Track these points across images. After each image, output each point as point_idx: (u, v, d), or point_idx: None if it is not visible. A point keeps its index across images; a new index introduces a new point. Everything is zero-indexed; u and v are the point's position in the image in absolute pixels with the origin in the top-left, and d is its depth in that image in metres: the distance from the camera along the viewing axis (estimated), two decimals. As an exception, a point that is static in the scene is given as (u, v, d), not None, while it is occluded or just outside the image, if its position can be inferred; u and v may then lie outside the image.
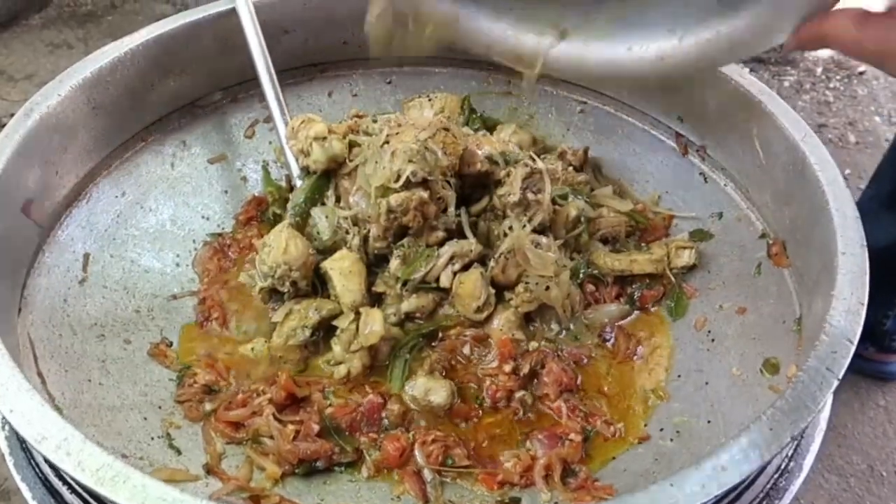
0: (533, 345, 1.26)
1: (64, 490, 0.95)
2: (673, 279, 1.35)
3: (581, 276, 1.32)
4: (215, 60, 1.47)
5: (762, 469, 0.99)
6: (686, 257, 1.36)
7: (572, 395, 1.21)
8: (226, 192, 1.50)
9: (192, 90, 1.48)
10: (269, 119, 1.55)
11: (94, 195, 1.36)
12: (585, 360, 1.27)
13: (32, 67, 1.21)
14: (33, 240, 1.24)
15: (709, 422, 1.17)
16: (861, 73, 2.80)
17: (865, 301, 1.02)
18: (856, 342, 0.98)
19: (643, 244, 1.40)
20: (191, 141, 1.50)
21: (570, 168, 1.47)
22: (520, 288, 1.26)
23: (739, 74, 1.35)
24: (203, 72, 1.47)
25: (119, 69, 1.35)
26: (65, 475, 0.94)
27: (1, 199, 1.15)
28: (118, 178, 1.40)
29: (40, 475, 1.00)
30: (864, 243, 1.09)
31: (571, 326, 1.30)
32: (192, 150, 1.49)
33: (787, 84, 2.82)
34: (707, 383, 1.22)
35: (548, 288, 1.26)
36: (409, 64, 1.63)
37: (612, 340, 1.29)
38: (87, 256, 1.31)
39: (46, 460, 0.93)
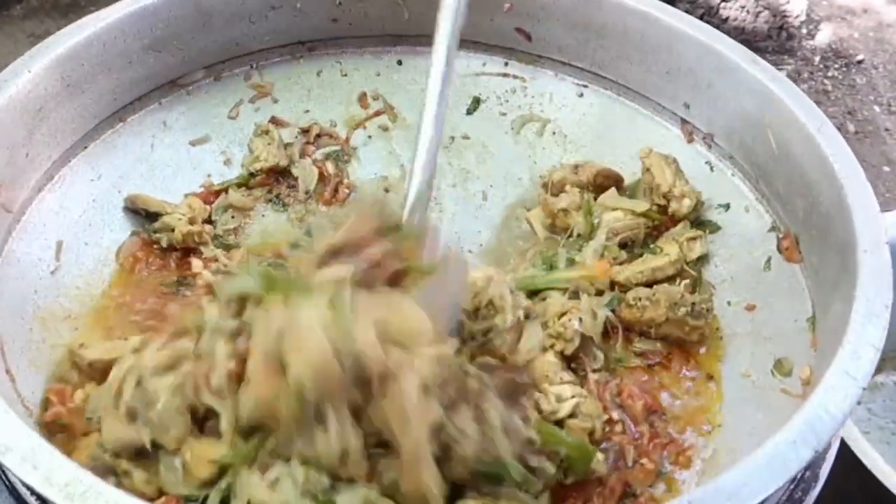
0: (594, 377, 1.16)
1: (32, 500, 0.88)
2: (694, 274, 1.29)
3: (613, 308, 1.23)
4: (198, 36, 1.39)
5: (782, 482, 0.93)
6: (699, 247, 1.30)
7: (658, 416, 1.14)
8: (209, 175, 1.42)
9: (173, 68, 1.40)
10: (254, 99, 1.48)
11: (68, 178, 1.28)
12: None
13: (13, 58, 1.16)
14: (1, 226, 1.16)
15: (719, 425, 1.12)
16: (860, 62, 2.76)
17: (890, 303, 0.97)
18: (881, 347, 0.92)
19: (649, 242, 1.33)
20: (171, 121, 1.42)
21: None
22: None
23: (752, 60, 1.29)
24: (185, 48, 1.39)
25: (95, 45, 1.27)
26: (32, 487, 0.87)
27: (-34, 183, 1.08)
28: (93, 160, 1.32)
29: (7, 483, 0.93)
30: (887, 240, 1.03)
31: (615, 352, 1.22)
32: (173, 131, 1.41)
33: (784, 74, 2.77)
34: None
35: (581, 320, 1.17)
36: (401, 44, 1.56)
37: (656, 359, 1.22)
38: (59, 244, 1.24)
39: (12, 470, 0.85)
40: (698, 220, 1.36)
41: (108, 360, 1.06)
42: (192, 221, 1.29)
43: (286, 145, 1.46)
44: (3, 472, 0.94)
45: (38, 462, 0.77)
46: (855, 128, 2.44)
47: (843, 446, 1.36)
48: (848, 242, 1.05)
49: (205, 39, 1.41)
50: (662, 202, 1.34)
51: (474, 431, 0.90)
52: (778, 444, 0.83)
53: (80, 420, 1.02)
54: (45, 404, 1.05)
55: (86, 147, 1.31)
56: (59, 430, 1.02)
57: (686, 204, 1.32)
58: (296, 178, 1.43)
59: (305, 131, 1.49)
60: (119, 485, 0.92)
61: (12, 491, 0.92)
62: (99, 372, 1.07)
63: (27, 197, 1.21)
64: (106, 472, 0.93)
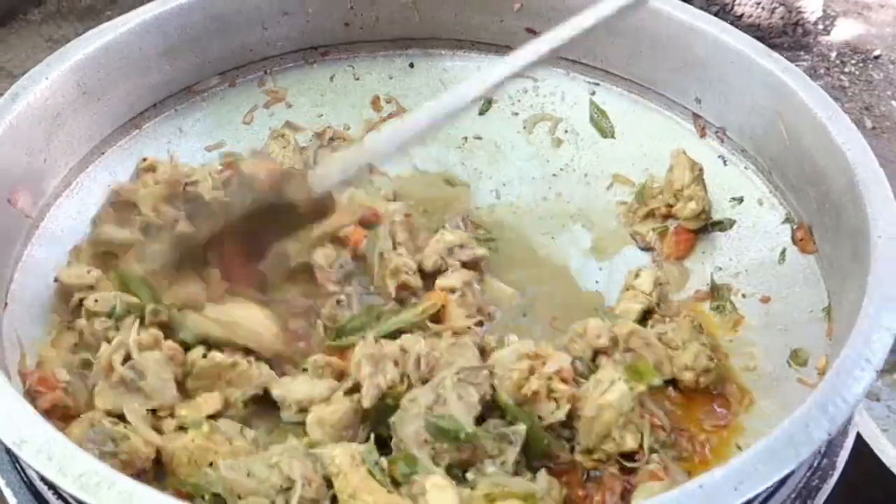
0: None
1: (49, 495, 0.90)
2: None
3: None
4: (212, 43, 1.41)
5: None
6: (693, 205, 1.30)
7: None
8: (224, 180, 1.43)
9: (189, 74, 1.42)
10: (268, 104, 1.49)
11: (86, 184, 1.30)
12: None
13: (31, 63, 1.18)
14: (21, 231, 1.18)
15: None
16: (876, 58, 2.74)
17: (904, 287, 0.96)
18: (895, 331, 0.92)
19: None
20: (187, 127, 1.43)
21: None
22: None
23: (763, 52, 1.28)
24: (200, 55, 1.41)
25: (111, 52, 1.30)
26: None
27: (-14, 189, 1.10)
28: (111, 166, 1.33)
29: (25, 479, 0.94)
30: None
31: None
32: (189, 137, 1.43)
33: (800, 69, 2.77)
34: (732, 376, 1.16)
35: None
36: (413, 47, 1.57)
37: None
38: (77, 249, 1.24)
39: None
40: (710, 222, 1.35)
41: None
42: None
43: (301, 149, 1.47)
44: (21, 468, 0.95)
45: (53, 453, 0.78)
46: (872, 123, 2.42)
47: (862, 443, 1.34)
48: (861, 229, 1.04)
49: (219, 46, 1.43)
50: (672, 201, 1.33)
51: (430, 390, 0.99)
52: (790, 428, 0.82)
53: (73, 399, 1.04)
54: (32, 395, 1.03)
55: (103, 153, 1.33)
56: (62, 414, 1.02)
57: (690, 207, 1.31)
58: (310, 181, 1.44)
59: (319, 135, 1.50)
60: (116, 449, 0.97)
61: (30, 487, 0.93)
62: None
63: (45, 203, 1.23)
64: (106, 439, 0.96)
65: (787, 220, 1.28)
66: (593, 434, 1.01)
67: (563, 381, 1.03)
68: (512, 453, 0.96)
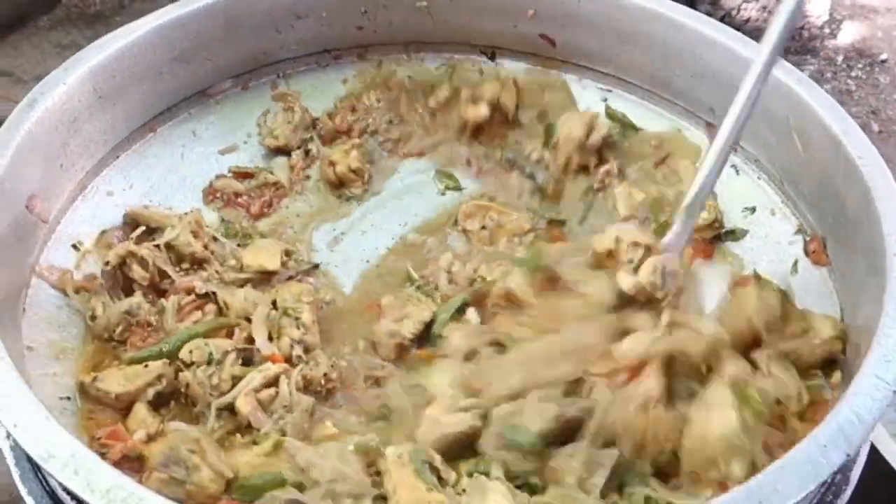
0: None
1: (72, 506, 0.90)
2: None
3: None
4: (226, 47, 1.42)
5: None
6: (705, 214, 1.29)
7: None
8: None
9: (202, 78, 1.42)
10: (287, 109, 1.49)
11: (101, 188, 1.30)
12: None
13: (41, 69, 1.18)
14: (38, 236, 1.19)
15: (747, 429, 1.11)
16: (883, 62, 2.74)
17: (920, 305, 0.96)
18: (912, 350, 0.92)
19: None
20: (201, 131, 1.44)
21: None
22: None
23: (780, 64, 1.28)
24: (213, 59, 1.41)
25: (126, 57, 1.30)
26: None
27: (4, 195, 1.10)
28: (125, 170, 1.34)
29: (47, 488, 0.95)
30: (916, 242, 1.03)
31: None
32: (203, 141, 1.43)
33: (806, 73, 2.76)
34: (744, 388, 1.16)
35: None
36: (425, 51, 1.56)
37: None
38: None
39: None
40: (722, 231, 1.35)
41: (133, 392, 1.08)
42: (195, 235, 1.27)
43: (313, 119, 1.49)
44: (44, 477, 0.96)
45: (79, 468, 0.78)
46: (879, 127, 2.42)
47: (872, 449, 1.35)
48: (876, 246, 1.05)
49: (232, 50, 1.43)
50: None
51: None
52: (809, 448, 0.83)
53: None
54: (100, 447, 0.98)
55: (118, 157, 1.34)
56: (135, 462, 0.98)
57: (702, 216, 1.31)
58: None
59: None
60: (185, 478, 0.95)
61: (52, 496, 0.94)
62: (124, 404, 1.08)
63: (61, 207, 1.24)
64: (178, 464, 0.96)
65: (800, 231, 1.28)
66: (696, 461, 0.98)
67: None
68: (601, 476, 0.96)
